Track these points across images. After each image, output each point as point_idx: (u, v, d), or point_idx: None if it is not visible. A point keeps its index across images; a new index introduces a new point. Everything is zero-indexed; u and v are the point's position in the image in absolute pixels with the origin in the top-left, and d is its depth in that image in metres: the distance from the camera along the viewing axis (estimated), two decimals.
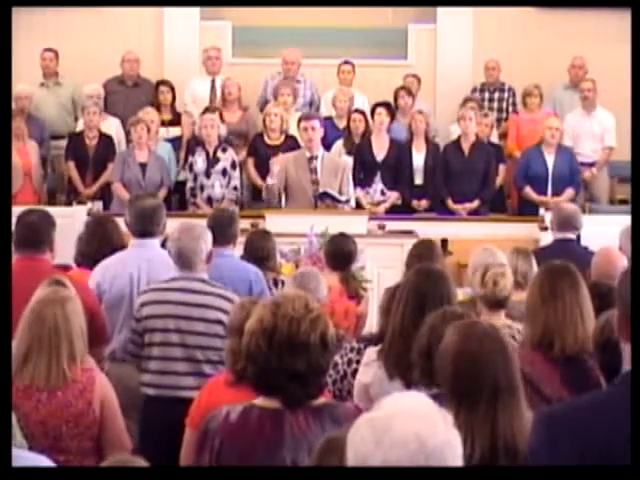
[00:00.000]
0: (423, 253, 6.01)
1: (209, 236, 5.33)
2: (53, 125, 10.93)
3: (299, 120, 9.18)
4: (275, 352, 3.04)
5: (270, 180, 8.59)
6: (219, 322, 5.05)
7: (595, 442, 2.36)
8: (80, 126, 10.64)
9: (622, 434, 2.35)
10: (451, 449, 2.03)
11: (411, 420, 2.02)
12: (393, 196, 9.82)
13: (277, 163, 8.64)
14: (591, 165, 10.56)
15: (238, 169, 9.71)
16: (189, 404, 4.67)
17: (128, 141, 10.39)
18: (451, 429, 2.05)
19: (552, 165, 9.95)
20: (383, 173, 9.68)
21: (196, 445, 3.23)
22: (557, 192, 9.89)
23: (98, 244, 6.06)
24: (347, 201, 8.66)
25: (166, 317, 5.12)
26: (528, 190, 10.01)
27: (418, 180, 10.10)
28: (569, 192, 9.91)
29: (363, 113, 10.26)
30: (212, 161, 9.60)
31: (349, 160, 9.53)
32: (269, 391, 3.11)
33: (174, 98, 10.88)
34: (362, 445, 2.01)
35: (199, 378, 5.02)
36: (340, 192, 8.61)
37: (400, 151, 10.04)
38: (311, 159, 8.68)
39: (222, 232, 5.86)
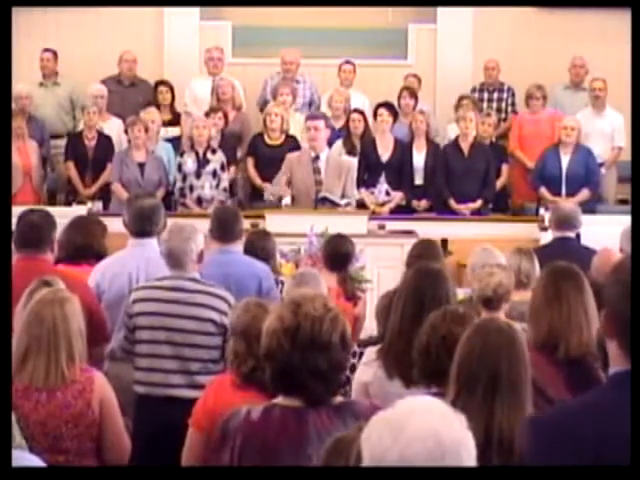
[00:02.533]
0: (423, 253, 6.01)
1: (200, 236, 5.31)
2: (51, 125, 10.93)
3: (305, 119, 9.19)
4: (298, 351, 3.06)
5: (268, 195, 8.60)
6: (210, 320, 5.05)
7: (587, 449, 2.34)
8: (82, 126, 10.64)
9: (614, 439, 2.32)
10: (466, 448, 2.03)
11: (428, 417, 2.02)
12: (397, 196, 9.83)
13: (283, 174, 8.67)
14: (600, 165, 10.53)
15: (227, 171, 9.70)
16: (178, 403, 4.69)
17: (130, 141, 10.40)
18: (466, 430, 2.05)
19: (567, 165, 9.91)
20: (387, 173, 9.68)
21: (214, 445, 3.21)
22: (572, 192, 9.84)
23: (65, 241, 6.01)
24: (347, 204, 8.64)
25: (154, 315, 5.12)
26: (543, 190, 9.98)
27: (418, 180, 10.11)
28: (584, 192, 9.85)
29: (362, 113, 10.26)
30: (202, 162, 9.60)
31: (352, 160, 9.51)
32: (290, 390, 3.12)
33: (173, 98, 10.89)
34: (379, 442, 2.00)
35: (188, 376, 5.03)
36: (344, 193, 8.60)
37: (403, 151, 10.05)
38: (315, 159, 8.67)
39: (229, 229, 5.83)
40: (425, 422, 2.01)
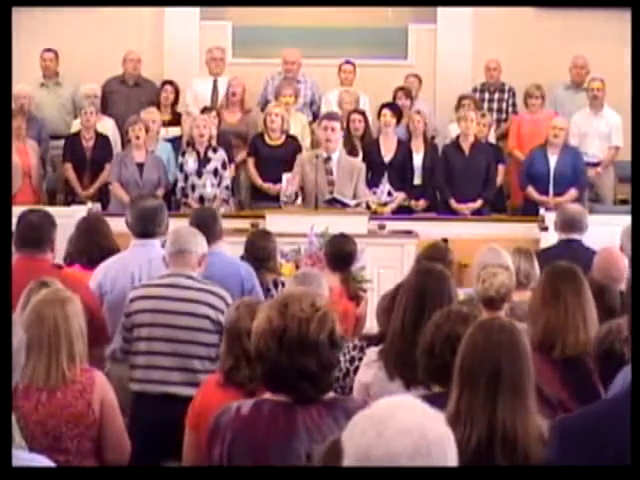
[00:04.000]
0: (432, 256, 5.94)
1: (203, 240, 5.32)
2: (53, 125, 10.92)
3: (321, 118, 9.17)
4: (285, 352, 3.06)
5: (284, 197, 8.60)
6: (206, 317, 5.07)
7: (610, 452, 2.33)
8: (75, 126, 10.63)
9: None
10: (449, 441, 2.03)
11: (411, 411, 2.03)
12: (400, 197, 9.82)
13: (290, 178, 8.64)
14: (597, 165, 10.54)
15: (229, 169, 9.70)
16: (177, 400, 4.69)
17: (123, 141, 10.41)
18: (447, 427, 2.05)
19: (554, 165, 9.93)
20: (390, 174, 9.67)
21: (206, 440, 3.24)
22: (559, 192, 9.86)
23: (87, 244, 6.10)
24: (357, 205, 8.62)
25: (152, 312, 5.13)
26: (530, 190, 10.00)
27: (417, 180, 10.11)
28: (572, 192, 9.88)
29: (363, 113, 10.25)
30: (203, 161, 9.60)
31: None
32: (280, 389, 3.13)
33: (176, 99, 10.89)
34: (363, 438, 2.00)
35: (186, 373, 5.03)
36: (355, 194, 8.59)
37: (405, 152, 10.05)
38: (327, 160, 8.66)
39: (207, 230, 5.79)
40: (409, 417, 2.02)
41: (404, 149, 10.04)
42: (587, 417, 2.50)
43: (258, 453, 3.09)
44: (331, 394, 3.19)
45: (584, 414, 2.58)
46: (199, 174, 9.58)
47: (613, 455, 2.32)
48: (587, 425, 2.42)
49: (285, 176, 8.84)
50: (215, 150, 9.65)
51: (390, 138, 10.05)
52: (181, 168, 9.67)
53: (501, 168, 10.36)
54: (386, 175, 9.53)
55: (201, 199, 9.55)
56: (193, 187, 9.60)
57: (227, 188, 9.66)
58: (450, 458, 2.01)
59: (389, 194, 9.53)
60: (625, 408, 2.40)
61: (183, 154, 9.72)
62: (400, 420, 2.00)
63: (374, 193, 9.55)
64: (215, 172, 9.60)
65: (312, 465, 2.65)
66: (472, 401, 3.10)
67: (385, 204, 9.62)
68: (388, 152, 9.99)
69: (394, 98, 10.65)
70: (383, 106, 10.16)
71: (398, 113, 10.12)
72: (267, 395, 3.16)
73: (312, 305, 3.10)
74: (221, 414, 3.20)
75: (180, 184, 9.67)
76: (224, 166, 9.65)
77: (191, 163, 9.60)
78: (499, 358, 3.16)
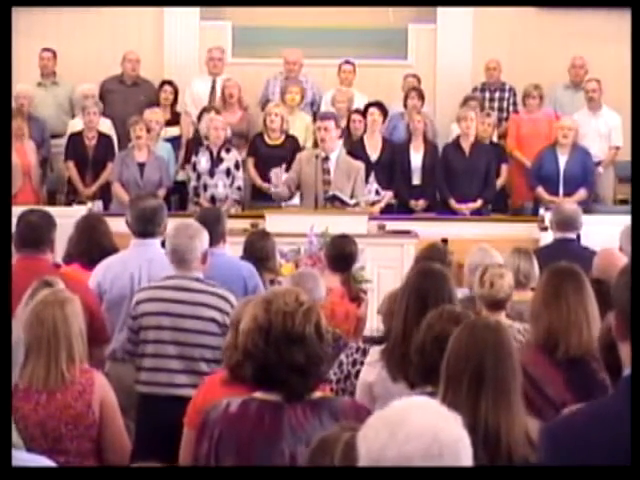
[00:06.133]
0: (431, 257, 5.94)
1: (205, 235, 5.33)
2: (50, 125, 10.92)
3: (316, 120, 9.19)
4: (273, 348, 3.08)
5: (273, 189, 8.62)
6: (213, 320, 5.07)
7: (595, 455, 2.33)
8: (73, 126, 10.64)
9: (623, 446, 2.30)
10: (464, 445, 2.03)
11: (425, 414, 2.04)
12: (387, 195, 9.79)
13: (276, 173, 8.66)
14: (597, 165, 10.55)
15: (241, 169, 9.73)
16: (183, 402, 4.68)
17: (120, 141, 10.42)
18: (462, 429, 2.05)
19: (564, 165, 9.93)
20: (377, 173, 9.65)
21: (196, 436, 3.25)
22: (569, 192, 9.86)
23: (87, 243, 6.12)
24: (356, 204, 8.63)
25: (160, 314, 5.13)
26: (540, 190, 10.00)
27: (416, 180, 10.10)
28: (581, 192, 9.88)
29: (363, 114, 10.25)
30: (216, 161, 9.61)
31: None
32: (270, 386, 3.14)
33: (175, 99, 10.90)
34: (376, 439, 2.01)
35: (193, 376, 5.03)
36: (353, 194, 8.60)
37: (395, 151, 10.04)
38: (325, 159, 8.67)
39: (210, 231, 5.81)
40: (422, 419, 2.02)
41: (392, 148, 10.03)
42: (574, 420, 2.49)
43: (243, 451, 3.11)
44: (319, 393, 3.21)
45: (571, 418, 2.58)
46: (211, 174, 9.60)
47: (604, 456, 2.32)
48: (574, 428, 2.41)
49: (274, 171, 8.83)
50: (228, 150, 9.67)
51: (375, 137, 10.04)
52: (194, 167, 9.68)
53: (505, 167, 10.36)
54: (373, 174, 9.52)
55: (212, 199, 9.56)
56: (205, 187, 9.62)
57: (239, 189, 9.67)
58: (464, 460, 2.02)
59: (377, 193, 9.50)
60: (615, 409, 2.40)
61: (196, 153, 9.72)
62: (413, 422, 2.01)
63: None
64: (227, 172, 9.61)
65: (324, 465, 2.65)
66: (456, 399, 3.12)
67: (373, 203, 9.57)
68: (374, 151, 9.97)
69: (406, 98, 10.62)
70: (370, 105, 10.14)
71: (384, 112, 10.10)
72: (256, 393, 3.18)
73: (296, 300, 3.13)
74: (210, 411, 3.22)
75: (192, 183, 9.69)
76: (237, 166, 9.66)
77: (204, 163, 9.61)
78: (483, 357, 3.18)
